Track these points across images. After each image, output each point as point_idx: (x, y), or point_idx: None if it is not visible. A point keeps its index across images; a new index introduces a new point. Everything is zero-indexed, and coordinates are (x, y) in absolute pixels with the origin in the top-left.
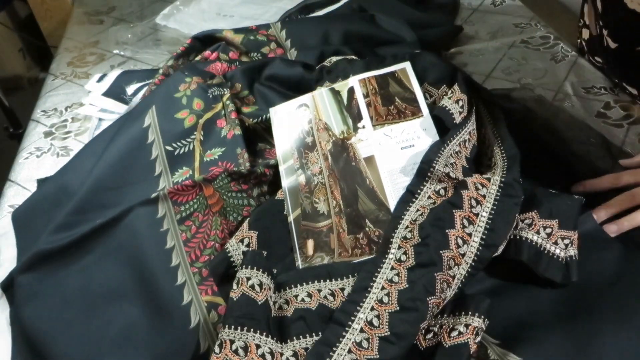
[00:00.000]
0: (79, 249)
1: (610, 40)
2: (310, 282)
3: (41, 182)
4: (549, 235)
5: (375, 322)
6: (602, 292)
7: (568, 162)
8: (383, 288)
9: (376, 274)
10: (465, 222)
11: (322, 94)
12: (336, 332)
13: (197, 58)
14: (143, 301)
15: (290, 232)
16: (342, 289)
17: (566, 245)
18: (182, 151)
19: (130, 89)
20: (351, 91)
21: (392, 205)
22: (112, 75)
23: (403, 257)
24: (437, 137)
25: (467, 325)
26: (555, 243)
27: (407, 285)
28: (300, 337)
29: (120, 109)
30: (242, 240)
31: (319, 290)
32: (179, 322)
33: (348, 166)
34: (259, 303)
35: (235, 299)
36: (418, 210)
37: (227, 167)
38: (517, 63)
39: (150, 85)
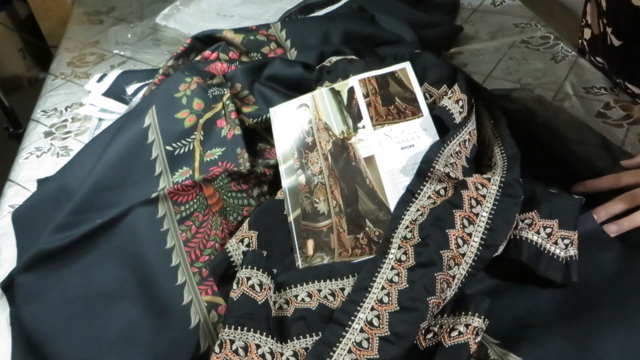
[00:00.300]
0: (79, 249)
1: (614, 38)
2: (310, 282)
3: (41, 182)
4: (549, 235)
5: (375, 322)
6: (602, 292)
7: (568, 162)
8: (383, 288)
9: (376, 274)
10: (465, 222)
11: (322, 94)
12: (336, 332)
13: (197, 58)
14: (143, 301)
15: (290, 232)
16: (342, 289)
17: (566, 245)
18: (182, 151)
19: (130, 89)
20: (351, 91)
21: (392, 205)
22: (112, 75)
23: (403, 257)
24: (437, 137)
25: (467, 325)
26: (555, 243)
27: (407, 285)
28: (300, 337)
29: (120, 109)
30: (242, 240)
31: (319, 290)
32: (179, 322)
33: (348, 166)
34: (259, 303)
35: (235, 299)
36: (418, 210)
37: (227, 167)
38: (517, 63)
39: (150, 85)
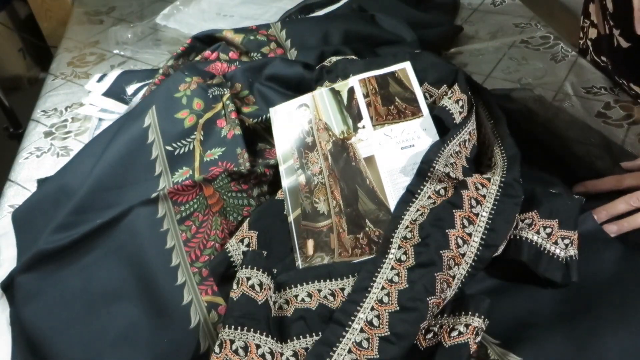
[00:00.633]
0: (79, 249)
1: (622, 40)
2: (310, 282)
3: (41, 182)
4: (549, 235)
5: (375, 322)
6: (602, 292)
7: (568, 162)
8: (383, 288)
9: (376, 274)
10: (465, 222)
11: (322, 94)
12: (336, 332)
13: (197, 58)
14: (143, 301)
15: (290, 232)
16: (342, 289)
17: (566, 245)
18: (182, 151)
19: (130, 89)
20: (351, 91)
21: (392, 205)
22: (112, 75)
23: (403, 257)
24: (437, 137)
25: (467, 325)
26: (555, 243)
27: (407, 285)
28: (300, 337)
29: (120, 109)
30: (242, 240)
31: (319, 290)
32: (179, 322)
33: (348, 166)
34: (259, 303)
35: (235, 299)
36: (418, 210)
37: (227, 167)
38: (517, 63)
39: (150, 85)
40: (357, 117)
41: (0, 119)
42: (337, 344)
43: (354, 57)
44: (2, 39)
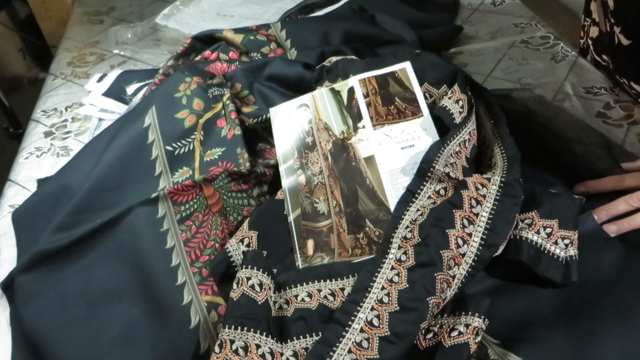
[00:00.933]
0: (79, 249)
1: (622, 37)
2: (310, 282)
3: (41, 182)
4: (549, 235)
5: (375, 322)
6: (602, 292)
7: (568, 163)
8: (383, 288)
9: (376, 274)
10: (465, 222)
11: (322, 93)
12: (336, 332)
13: (197, 58)
14: (143, 301)
15: (290, 232)
16: (342, 289)
17: (566, 245)
18: (182, 151)
19: (130, 89)
20: (351, 91)
21: (392, 205)
22: (112, 75)
23: (403, 257)
24: (437, 137)
25: (467, 325)
26: (555, 243)
27: (407, 285)
28: (301, 337)
29: (120, 109)
30: (242, 240)
31: (319, 290)
32: (179, 322)
33: (348, 166)
34: (259, 303)
35: (235, 299)
36: (418, 210)
37: (227, 167)
38: (517, 63)
39: (150, 85)
40: (357, 117)
41: (0, 119)
42: (337, 344)
43: (354, 57)
44: (2, 39)
